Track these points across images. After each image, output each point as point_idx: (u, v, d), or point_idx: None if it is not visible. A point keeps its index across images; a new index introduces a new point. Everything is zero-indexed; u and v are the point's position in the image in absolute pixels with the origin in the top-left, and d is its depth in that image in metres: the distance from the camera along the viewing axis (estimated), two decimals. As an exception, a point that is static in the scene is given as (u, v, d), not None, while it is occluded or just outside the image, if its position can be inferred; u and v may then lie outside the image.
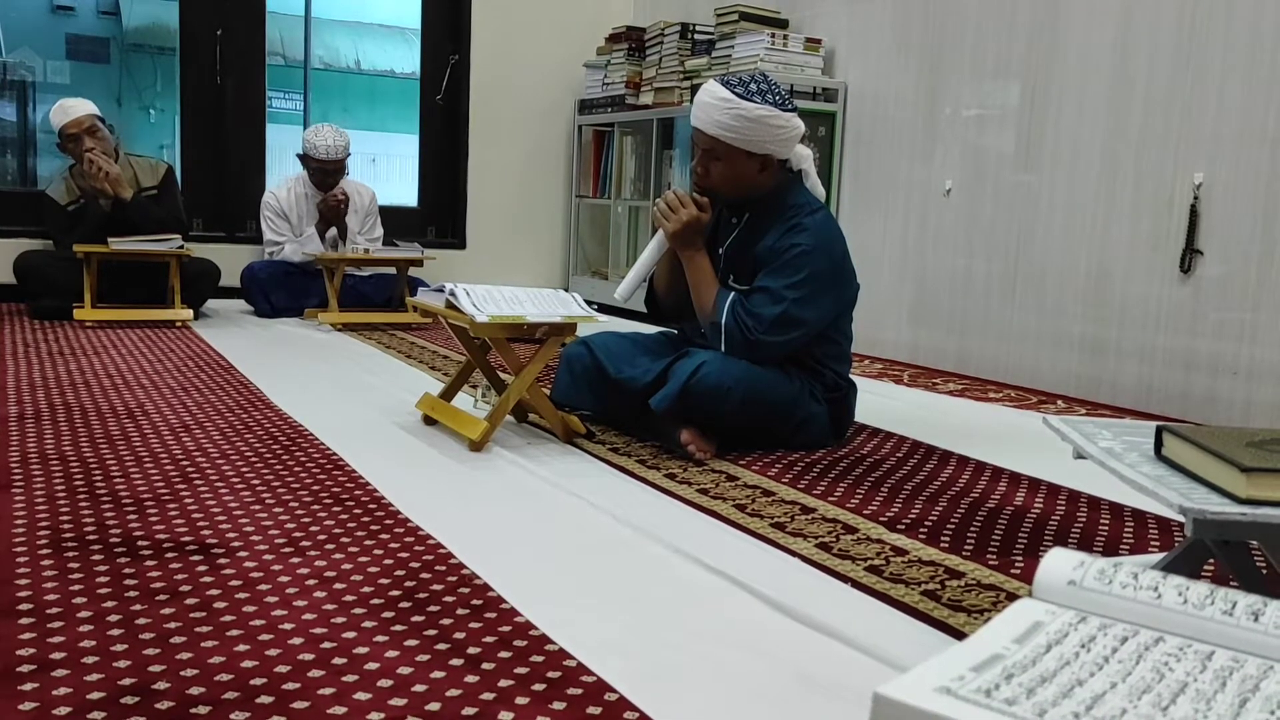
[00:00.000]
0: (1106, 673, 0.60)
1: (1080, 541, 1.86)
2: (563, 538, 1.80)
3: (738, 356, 2.37)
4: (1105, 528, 1.94)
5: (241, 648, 1.26)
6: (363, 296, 4.64)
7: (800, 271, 2.37)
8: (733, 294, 2.42)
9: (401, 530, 1.74)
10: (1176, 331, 3.13)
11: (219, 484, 1.98)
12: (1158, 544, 1.87)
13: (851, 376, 2.59)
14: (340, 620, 1.36)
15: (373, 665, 1.23)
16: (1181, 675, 0.60)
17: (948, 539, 1.83)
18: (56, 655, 1.22)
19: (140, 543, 1.62)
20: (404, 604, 1.42)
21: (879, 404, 3.06)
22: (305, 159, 4.63)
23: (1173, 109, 3.14)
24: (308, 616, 1.36)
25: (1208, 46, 3.05)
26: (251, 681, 1.17)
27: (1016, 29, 3.63)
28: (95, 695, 1.13)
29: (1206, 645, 0.64)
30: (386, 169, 9.99)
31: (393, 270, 4.62)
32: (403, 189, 7.31)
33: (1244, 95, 2.96)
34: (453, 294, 2.37)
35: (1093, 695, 0.58)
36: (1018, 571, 1.67)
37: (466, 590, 1.49)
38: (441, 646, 1.29)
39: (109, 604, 1.38)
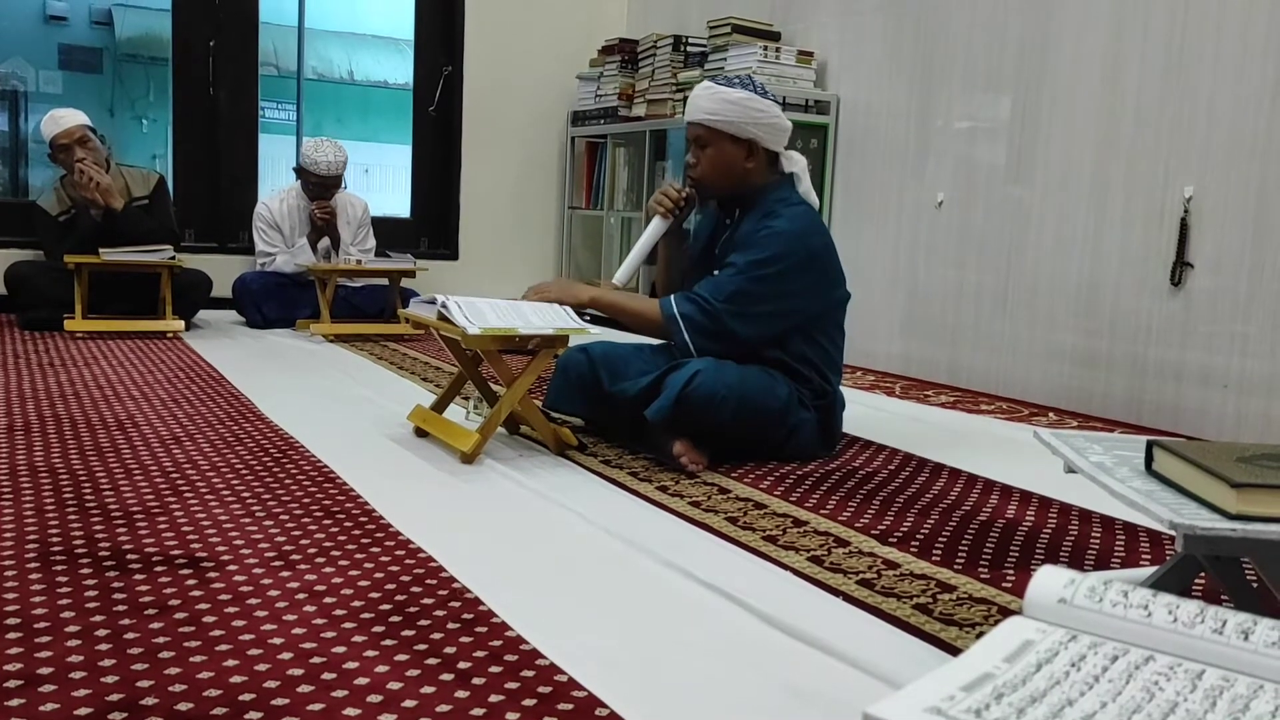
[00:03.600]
0: (1096, 692, 0.60)
1: (1072, 555, 1.86)
2: (554, 551, 1.79)
3: (706, 342, 2.41)
4: (1097, 541, 1.95)
5: (230, 662, 1.25)
6: (355, 308, 4.63)
7: (766, 250, 2.43)
8: (673, 294, 2.51)
9: (392, 543, 1.74)
10: (1167, 344, 3.14)
11: (209, 497, 1.97)
12: (1149, 557, 1.87)
13: (842, 388, 2.60)
14: (330, 635, 1.35)
15: (362, 680, 1.22)
16: (1171, 695, 0.60)
17: (939, 552, 1.83)
18: (44, 670, 1.21)
19: (129, 556, 1.62)
20: (394, 618, 1.42)
21: (871, 416, 3.06)
22: (303, 172, 4.62)
23: (1163, 122, 3.15)
24: (297, 631, 1.36)
25: (1197, 60, 3.06)
26: (240, 696, 1.17)
27: (1007, 42, 3.65)
28: (83, 710, 1.12)
29: (1197, 664, 0.64)
30: (379, 180, 9.97)
31: (385, 281, 4.62)
32: (395, 200, 7.30)
33: (1233, 108, 2.97)
34: (445, 306, 2.37)
35: (1083, 715, 0.58)
36: (1009, 585, 1.67)
37: (457, 604, 1.48)
38: (432, 661, 1.29)
39: (97, 618, 1.37)
